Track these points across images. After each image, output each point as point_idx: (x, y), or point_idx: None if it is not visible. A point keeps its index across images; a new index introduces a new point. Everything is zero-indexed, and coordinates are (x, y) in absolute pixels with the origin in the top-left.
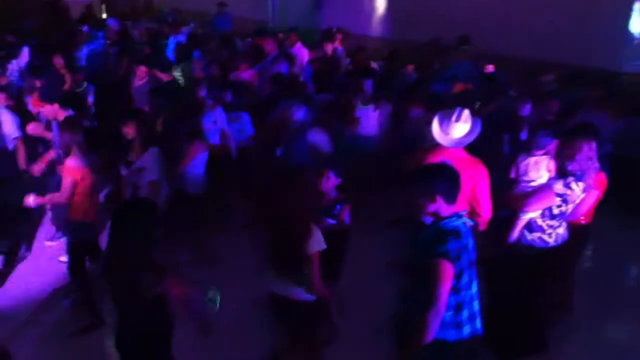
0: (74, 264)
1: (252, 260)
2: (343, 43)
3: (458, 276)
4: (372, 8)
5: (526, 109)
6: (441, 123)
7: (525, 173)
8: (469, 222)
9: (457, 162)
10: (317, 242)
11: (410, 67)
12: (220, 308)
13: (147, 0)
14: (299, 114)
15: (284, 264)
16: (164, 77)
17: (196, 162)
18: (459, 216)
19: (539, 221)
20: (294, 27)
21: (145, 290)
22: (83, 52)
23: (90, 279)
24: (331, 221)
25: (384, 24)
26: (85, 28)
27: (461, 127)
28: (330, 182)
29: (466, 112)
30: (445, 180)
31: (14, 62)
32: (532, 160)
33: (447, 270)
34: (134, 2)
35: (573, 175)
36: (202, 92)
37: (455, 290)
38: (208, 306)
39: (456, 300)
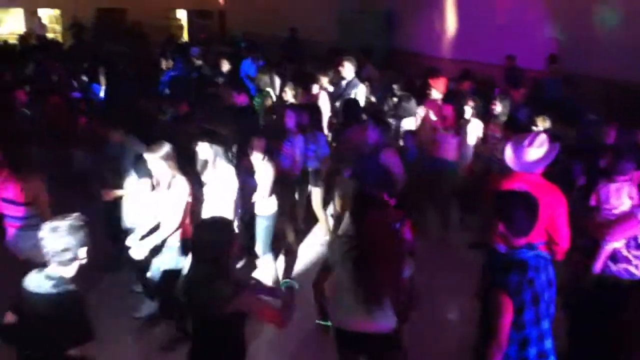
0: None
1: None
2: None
3: (518, 311)
4: (443, 28)
5: (611, 135)
6: (514, 148)
7: (607, 200)
8: (545, 255)
9: (534, 188)
10: (409, 267)
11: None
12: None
13: (221, 26)
14: (373, 135)
15: (372, 293)
16: (241, 100)
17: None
18: (532, 247)
19: (624, 251)
20: (365, 49)
21: (222, 304)
22: (165, 77)
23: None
24: None
25: (455, 44)
26: (167, 54)
27: (535, 151)
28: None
29: (541, 137)
30: (521, 209)
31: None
32: (613, 186)
33: (505, 304)
34: (209, 28)
35: None
36: (290, 122)
37: (517, 325)
38: (286, 287)
39: (520, 335)
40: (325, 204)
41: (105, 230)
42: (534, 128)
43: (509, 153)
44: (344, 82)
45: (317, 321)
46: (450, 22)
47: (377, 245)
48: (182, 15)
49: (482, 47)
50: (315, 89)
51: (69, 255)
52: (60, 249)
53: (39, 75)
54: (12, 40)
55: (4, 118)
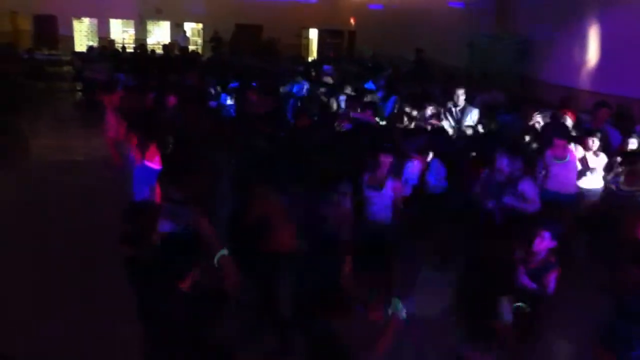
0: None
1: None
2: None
3: None
4: (581, 58)
5: None
6: None
7: None
8: None
9: None
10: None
11: None
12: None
13: (350, 46)
14: (504, 163)
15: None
16: (364, 117)
17: None
18: None
19: None
20: (496, 74)
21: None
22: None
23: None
24: (532, 285)
25: (595, 76)
26: (298, 68)
27: None
28: (544, 243)
29: None
30: None
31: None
32: None
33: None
34: (339, 47)
35: None
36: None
37: None
38: (394, 313)
39: None
40: None
41: None
42: None
43: None
44: (455, 109)
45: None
46: (591, 52)
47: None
48: (313, 33)
49: (622, 80)
50: (429, 111)
51: None
52: None
53: (183, 84)
54: (158, 50)
55: (156, 120)
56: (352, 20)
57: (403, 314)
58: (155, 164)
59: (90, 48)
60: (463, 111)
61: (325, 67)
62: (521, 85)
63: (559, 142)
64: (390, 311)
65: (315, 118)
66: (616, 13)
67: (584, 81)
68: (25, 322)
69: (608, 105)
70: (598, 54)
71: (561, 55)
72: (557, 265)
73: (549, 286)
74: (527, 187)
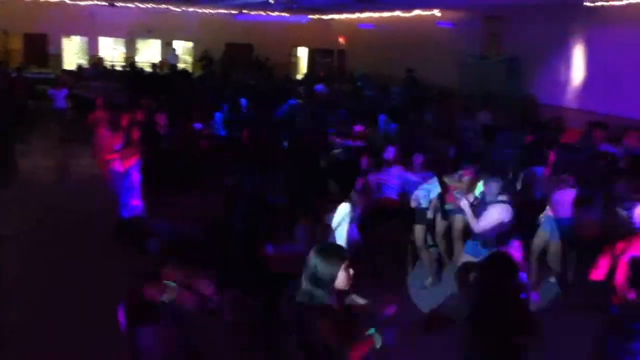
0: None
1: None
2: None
3: None
4: (570, 77)
5: None
6: None
7: None
8: None
9: None
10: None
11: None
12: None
13: (340, 65)
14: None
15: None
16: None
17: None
18: None
19: None
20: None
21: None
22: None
23: None
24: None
25: (583, 95)
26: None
27: None
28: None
29: None
30: None
31: (218, 114)
32: None
33: None
34: (329, 66)
35: None
36: (387, 154)
37: None
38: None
39: None
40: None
41: None
42: None
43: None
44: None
45: None
46: (577, 71)
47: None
48: (303, 52)
49: (611, 98)
50: None
51: None
52: None
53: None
54: (147, 68)
55: (148, 138)
56: (341, 39)
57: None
58: (140, 175)
59: (80, 66)
60: None
61: (318, 86)
62: (519, 106)
63: None
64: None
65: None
66: (603, 34)
67: (570, 100)
68: None
69: (602, 125)
70: (584, 73)
71: (549, 74)
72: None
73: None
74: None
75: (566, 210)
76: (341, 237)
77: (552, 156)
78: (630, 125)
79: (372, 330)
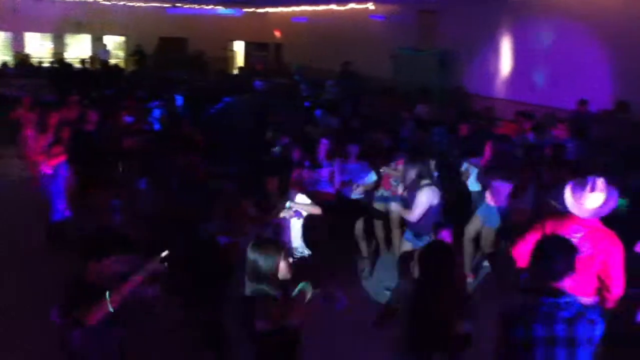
0: None
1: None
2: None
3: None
4: (499, 69)
5: None
6: (574, 192)
7: None
8: (578, 305)
9: (592, 232)
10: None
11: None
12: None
13: (277, 58)
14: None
15: (429, 344)
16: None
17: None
18: (557, 294)
19: None
20: (422, 87)
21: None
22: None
23: None
24: None
25: (512, 86)
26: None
27: (596, 197)
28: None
29: (601, 181)
30: (555, 253)
31: (156, 110)
32: None
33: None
34: (266, 59)
35: None
36: (322, 147)
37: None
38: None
39: None
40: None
41: None
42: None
43: (569, 197)
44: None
45: None
46: (506, 63)
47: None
48: (239, 46)
49: (539, 89)
50: None
51: None
52: None
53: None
54: (77, 64)
55: (78, 135)
56: (277, 33)
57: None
58: (72, 176)
59: (4, 63)
60: None
61: (257, 82)
62: (444, 96)
63: None
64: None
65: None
66: (531, 27)
67: (500, 91)
68: None
69: (528, 115)
70: (513, 65)
71: (480, 66)
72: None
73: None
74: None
75: (501, 199)
76: (293, 231)
77: (487, 147)
78: (556, 115)
79: (302, 285)
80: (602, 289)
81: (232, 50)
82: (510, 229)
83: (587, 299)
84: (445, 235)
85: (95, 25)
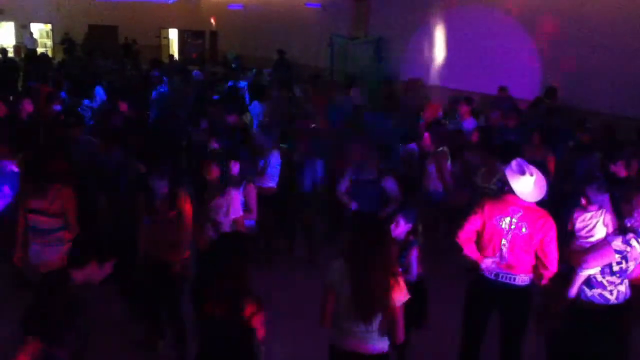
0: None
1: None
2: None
3: None
4: (433, 57)
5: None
6: (511, 174)
7: (582, 228)
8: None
9: (527, 212)
10: (403, 294)
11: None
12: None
13: (212, 46)
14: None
15: (363, 317)
16: (233, 120)
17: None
18: None
19: (599, 277)
20: (356, 76)
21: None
22: (153, 95)
23: None
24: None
25: (444, 73)
26: (155, 73)
27: (529, 180)
28: (399, 228)
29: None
30: None
31: (86, 101)
32: (587, 215)
33: None
34: (201, 47)
35: (633, 231)
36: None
37: None
38: None
39: None
40: None
41: None
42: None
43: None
44: None
45: None
46: (439, 51)
47: (374, 270)
48: (173, 34)
49: (472, 76)
50: None
51: None
52: None
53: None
54: None
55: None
56: (212, 20)
57: None
58: (14, 167)
59: None
60: None
61: (195, 72)
62: (379, 84)
63: None
64: None
65: None
66: (463, 15)
67: (434, 78)
68: None
69: (467, 100)
70: (445, 52)
71: (412, 53)
72: (416, 243)
73: (412, 265)
74: (389, 185)
75: (437, 183)
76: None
77: (426, 133)
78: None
79: None
80: (538, 266)
81: (166, 38)
82: (449, 213)
83: (526, 277)
84: (401, 223)
85: (20, 11)
